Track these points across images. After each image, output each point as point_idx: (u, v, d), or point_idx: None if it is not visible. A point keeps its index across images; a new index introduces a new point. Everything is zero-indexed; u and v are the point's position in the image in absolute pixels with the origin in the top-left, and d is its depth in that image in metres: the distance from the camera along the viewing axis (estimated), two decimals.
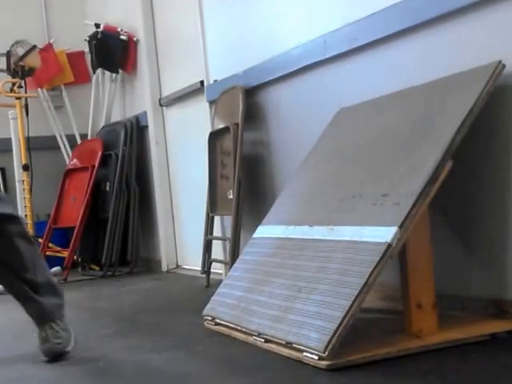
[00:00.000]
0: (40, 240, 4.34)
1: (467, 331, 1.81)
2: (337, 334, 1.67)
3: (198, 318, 2.38)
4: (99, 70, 4.67)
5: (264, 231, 2.37)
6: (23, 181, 4.44)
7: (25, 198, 4.42)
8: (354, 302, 1.69)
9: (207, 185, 3.31)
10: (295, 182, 2.44)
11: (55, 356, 2.07)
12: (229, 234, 3.10)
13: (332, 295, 1.79)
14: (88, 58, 4.77)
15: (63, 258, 4.24)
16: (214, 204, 3.28)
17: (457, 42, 2.03)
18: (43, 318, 2.11)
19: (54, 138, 4.88)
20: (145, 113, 4.30)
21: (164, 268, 4.19)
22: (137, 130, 4.34)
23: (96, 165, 4.31)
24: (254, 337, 1.98)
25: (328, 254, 1.93)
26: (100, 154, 4.35)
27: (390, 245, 1.73)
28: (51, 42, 4.83)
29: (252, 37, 3.08)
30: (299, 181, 2.42)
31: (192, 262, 3.93)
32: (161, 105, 4.22)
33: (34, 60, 4.50)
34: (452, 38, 2.04)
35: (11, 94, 4.44)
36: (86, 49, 4.72)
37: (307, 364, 1.71)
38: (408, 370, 1.62)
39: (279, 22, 2.90)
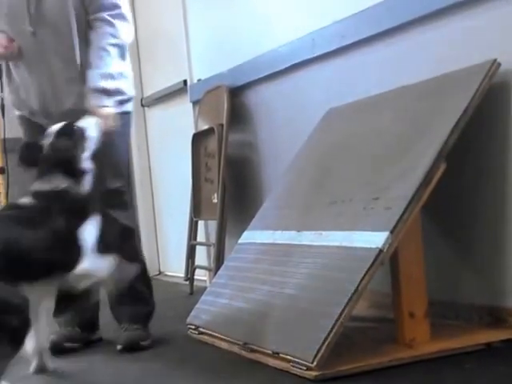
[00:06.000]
0: None
1: (461, 340, 1.78)
2: (326, 343, 1.63)
3: (181, 327, 2.34)
4: None
5: (250, 236, 2.34)
6: None
7: (0, 202, 4.33)
8: (343, 310, 1.66)
9: (191, 188, 3.28)
10: (282, 185, 2.42)
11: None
12: (213, 240, 3.07)
13: (321, 303, 1.76)
14: None
15: None
16: (197, 208, 3.25)
17: (451, 39, 2.01)
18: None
19: None
20: None
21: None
22: None
23: None
24: (239, 346, 1.95)
25: (316, 260, 1.90)
26: None
27: (381, 250, 1.70)
28: None
29: (238, 34, 3.08)
30: (286, 184, 2.40)
31: (175, 268, 3.88)
32: (142, 105, 4.19)
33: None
34: (446, 36, 2.02)
35: None
36: None
37: (294, 374, 1.68)
38: (400, 381, 1.59)
39: (266, 18, 2.88)
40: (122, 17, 2.17)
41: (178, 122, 3.79)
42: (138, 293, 2.26)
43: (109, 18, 2.13)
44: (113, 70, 2.14)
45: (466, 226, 2.00)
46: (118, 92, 2.16)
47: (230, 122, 2.99)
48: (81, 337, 2.29)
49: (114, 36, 2.14)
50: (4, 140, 4.35)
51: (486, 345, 1.76)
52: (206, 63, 3.34)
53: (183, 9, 3.49)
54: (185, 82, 3.53)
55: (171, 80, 3.70)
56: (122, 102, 2.19)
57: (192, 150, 3.24)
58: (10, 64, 2.26)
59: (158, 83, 3.96)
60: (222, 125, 3.00)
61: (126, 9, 2.20)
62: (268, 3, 2.86)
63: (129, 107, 2.25)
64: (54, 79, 2.18)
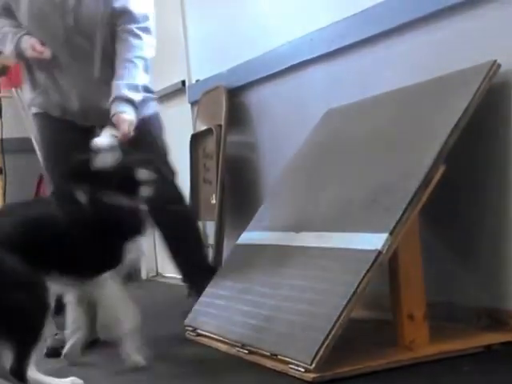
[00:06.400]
0: None
1: (461, 343, 1.77)
2: (324, 345, 1.62)
3: (178, 329, 2.32)
4: None
5: (248, 238, 2.33)
6: None
7: None
8: (342, 312, 1.65)
9: (189, 189, 3.25)
10: (281, 186, 2.41)
11: None
12: (211, 241, 3.06)
13: (319, 305, 1.75)
14: None
15: None
16: (196, 209, 3.22)
17: (450, 40, 2.00)
18: None
19: (29, 140, 4.77)
20: None
21: (144, 276, 4.14)
22: None
23: None
24: (238, 348, 1.93)
25: (315, 262, 1.89)
26: None
27: (380, 252, 1.69)
28: None
29: (236, 35, 3.07)
30: (285, 185, 2.39)
31: (173, 269, 3.84)
32: None
33: (6, 58, 4.40)
34: (445, 37, 2.01)
35: None
36: None
37: (293, 376, 1.67)
38: (399, 383, 1.58)
39: (264, 19, 2.87)
40: (148, 30, 2.23)
41: (176, 122, 3.77)
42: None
43: (137, 31, 2.20)
44: (138, 81, 2.20)
45: (466, 227, 1.99)
46: (141, 102, 2.22)
47: (228, 122, 2.98)
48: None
49: (140, 49, 2.20)
50: (1, 140, 4.36)
51: (486, 347, 1.75)
52: (205, 64, 3.33)
53: (181, 9, 3.48)
54: (183, 82, 3.52)
55: (169, 80, 3.69)
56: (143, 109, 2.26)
57: (190, 151, 3.23)
58: (34, 67, 2.28)
59: (155, 84, 3.93)
60: (220, 125, 2.99)
61: (152, 22, 2.25)
62: (267, 4, 2.85)
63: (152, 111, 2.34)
64: (88, 81, 2.23)
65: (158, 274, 4.12)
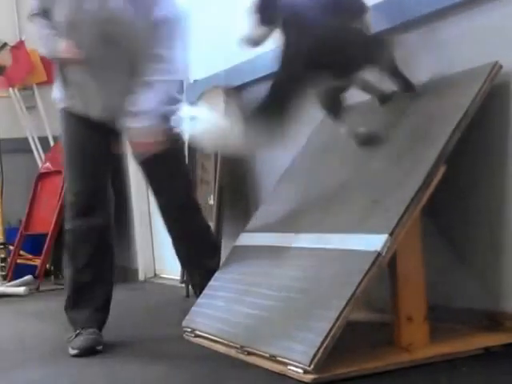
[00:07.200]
0: (11, 247, 4.22)
1: (460, 344, 1.77)
2: (323, 347, 1.61)
3: (176, 330, 2.31)
4: None
5: (247, 239, 2.32)
6: None
7: None
8: (341, 314, 1.64)
9: None
10: (280, 188, 2.40)
11: None
12: None
13: (318, 306, 1.74)
14: None
15: (35, 267, 4.12)
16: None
17: (452, 41, 1.99)
18: None
19: (25, 140, 4.75)
20: None
21: (141, 277, 4.11)
22: None
23: None
24: (236, 349, 1.92)
25: (314, 263, 1.88)
26: None
27: (379, 253, 1.68)
28: (23, 39, 4.69)
29: (234, 34, 3.02)
30: (284, 186, 2.38)
31: (171, 271, 3.84)
32: None
33: (4, 58, 4.39)
34: (447, 38, 2.00)
35: None
36: None
37: (291, 378, 1.66)
38: None
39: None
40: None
41: None
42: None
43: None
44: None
45: (465, 229, 1.98)
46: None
47: None
48: (101, 338, 2.26)
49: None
50: None
51: (485, 349, 1.74)
52: (203, 64, 3.31)
53: None
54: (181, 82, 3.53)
55: None
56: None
57: (188, 151, 3.23)
58: (66, 69, 2.28)
59: None
60: None
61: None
62: None
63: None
64: (114, 93, 2.23)
65: (155, 275, 4.10)
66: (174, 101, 2.25)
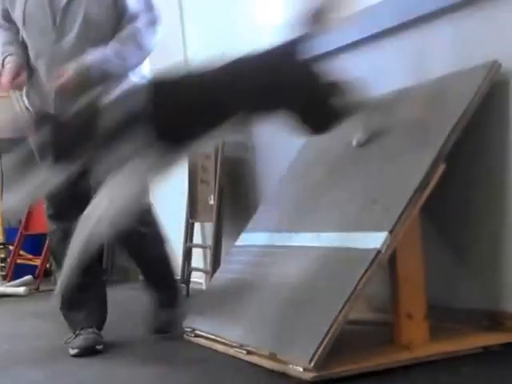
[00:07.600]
0: (11, 247, 4.22)
1: (459, 343, 1.77)
2: (323, 345, 1.61)
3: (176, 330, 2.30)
4: None
5: (247, 238, 2.31)
6: None
7: None
8: (340, 312, 1.64)
9: (187, 190, 3.24)
10: (280, 187, 2.40)
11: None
12: (210, 242, 3.05)
13: (317, 304, 1.74)
14: None
15: (35, 267, 4.12)
16: (194, 210, 3.23)
17: (451, 40, 1.99)
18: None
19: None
20: None
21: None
22: None
23: None
24: (236, 348, 1.92)
25: (314, 262, 1.87)
26: None
27: (379, 251, 1.68)
28: None
29: (234, 35, 3.05)
30: (284, 185, 2.38)
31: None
32: None
33: None
34: (446, 37, 2.00)
35: None
36: None
37: (292, 376, 1.66)
38: (397, 383, 1.58)
39: (262, 19, 2.85)
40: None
41: None
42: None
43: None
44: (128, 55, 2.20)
45: (465, 228, 1.98)
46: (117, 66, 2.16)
47: None
48: (101, 338, 2.25)
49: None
50: None
51: (484, 348, 1.74)
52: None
53: (179, 10, 3.47)
54: None
55: None
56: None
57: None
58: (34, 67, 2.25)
59: None
60: None
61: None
62: (265, 4, 2.84)
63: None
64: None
65: None
66: (123, 67, 2.20)
